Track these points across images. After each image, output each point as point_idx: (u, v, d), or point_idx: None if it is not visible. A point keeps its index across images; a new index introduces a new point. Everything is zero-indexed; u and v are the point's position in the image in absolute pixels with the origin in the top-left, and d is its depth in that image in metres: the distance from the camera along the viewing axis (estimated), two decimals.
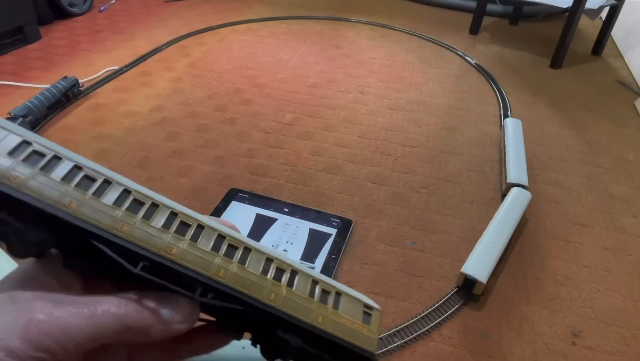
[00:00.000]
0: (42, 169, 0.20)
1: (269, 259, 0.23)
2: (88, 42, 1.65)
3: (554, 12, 2.09)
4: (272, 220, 0.88)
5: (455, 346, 0.69)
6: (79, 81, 1.29)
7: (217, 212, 0.89)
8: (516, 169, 1.00)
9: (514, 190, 0.93)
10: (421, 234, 0.89)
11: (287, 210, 0.90)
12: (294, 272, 0.23)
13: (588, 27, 2.00)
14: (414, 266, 0.82)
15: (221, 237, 0.23)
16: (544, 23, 2.05)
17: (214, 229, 0.23)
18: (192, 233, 0.22)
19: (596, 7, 1.55)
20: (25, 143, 0.20)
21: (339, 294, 0.24)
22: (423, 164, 1.09)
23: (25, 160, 0.20)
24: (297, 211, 0.90)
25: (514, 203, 0.90)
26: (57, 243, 0.20)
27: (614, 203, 1.00)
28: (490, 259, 0.78)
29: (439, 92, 1.43)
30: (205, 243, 0.22)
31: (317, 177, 1.03)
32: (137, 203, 0.22)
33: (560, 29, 1.57)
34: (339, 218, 0.89)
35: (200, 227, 0.22)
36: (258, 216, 0.88)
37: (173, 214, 0.23)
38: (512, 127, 1.15)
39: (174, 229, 0.22)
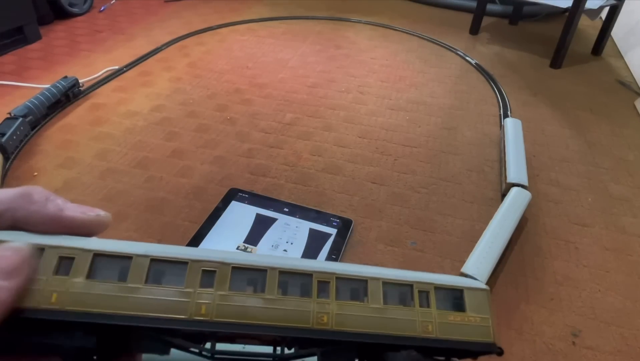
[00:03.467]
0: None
1: (355, 280, 0.21)
2: (88, 42, 1.65)
3: (554, 12, 2.09)
4: (272, 220, 0.88)
5: None
6: (79, 81, 1.29)
7: (217, 212, 0.89)
8: (516, 169, 1.00)
9: (514, 190, 0.93)
10: (421, 234, 0.89)
11: (287, 210, 0.90)
12: (386, 283, 0.21)
13: (588, 27, 2.00)
14: (414, 267, 0.82)
15: (308, 275, 0.20)
16: (544, 23, 2.05)
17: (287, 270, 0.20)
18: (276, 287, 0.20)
19: (596, 7, 1.55)
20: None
21: (438, 289, 0.21)
22: (423, 164, 1.09)
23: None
24: (297, 211, 0.90)
25: (514, 203, 0.90)
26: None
27: (614, 203, 1.00)
28: (490, 259, 0.78)
29: (439, 92, 1.43)
30: (293, 289, 0.20)
31: (317, 177, 1.03)
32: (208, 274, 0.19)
33: (560, 29, 1.57)
34: (339, 218, 0.89)
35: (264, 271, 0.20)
36: (258, 216, 0.88)
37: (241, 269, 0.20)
38: (512, 127, 1.15)
39: (260, 290, 0.19)
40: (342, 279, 0.20)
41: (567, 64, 1.64)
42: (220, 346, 0.20)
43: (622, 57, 1.75)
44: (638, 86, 1.53)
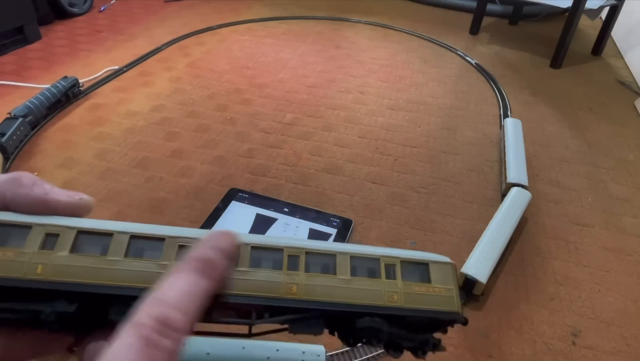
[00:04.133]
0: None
1: (319, 254, 0.22)
2: (88, 42, 1.65)
3: (554, 12, 2.09)
4: (272, 220, 0.88)
5: (455, 346, 0.69)
6: (79, 81, 1.29)
7: (217, 212, 0.89)
8: (516, 169, 1.00)
9: (514, 190, 0.93)
10: (421, 234, 0.89)
11: (287, 210, 0.90)
12: (354, 257, 0.22)
13: (588, 27, 2.00)
14: None
15: (279, 250, 0.22)
16: (544, 23, 2.05)
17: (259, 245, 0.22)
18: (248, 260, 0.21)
19: (596, 7, 1.55)
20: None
21: (404, 263, 0.22)
22: (423, 164, 1.09)
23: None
24: (297, 211, 0.90)
25: (514, 203, 0.90)
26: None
27: (614, 203, 1.00)
28: (490, 259, 0.78)
29: (439, 92, 1.43)
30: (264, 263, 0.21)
31: (317, 177, 1.03)
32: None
33: (560, 29, 1.57)
34: (339, 217, 0.89)
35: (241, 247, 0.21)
36: (258, 216, 0.88)
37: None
38: (512, 127, 1.15)
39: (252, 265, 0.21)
40: (311, 253, 0.22)
41: (567, 64, 1.64)
42: None
43: (622, 57, 1.75)
44: (638, 85, 1.53)
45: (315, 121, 1.24)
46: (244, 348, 0.61)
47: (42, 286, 0.19)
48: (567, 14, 1.54)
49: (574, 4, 1.50)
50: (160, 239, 0.21)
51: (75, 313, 0.19)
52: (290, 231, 0.85)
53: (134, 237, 0.21)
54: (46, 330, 0.19)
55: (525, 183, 0.96)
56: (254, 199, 0.93)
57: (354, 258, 0.22)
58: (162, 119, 1.21)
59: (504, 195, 0.95)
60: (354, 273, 0.22)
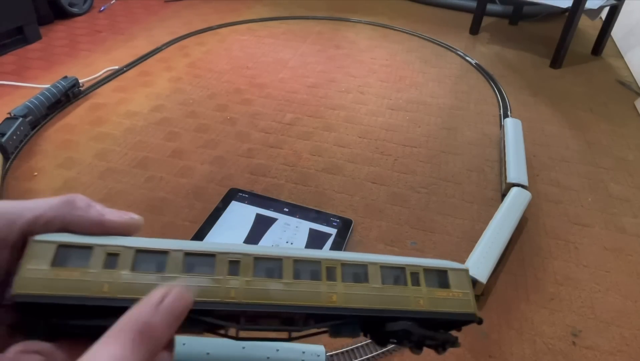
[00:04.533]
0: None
1: (355, 265, 0.24)
2: (88, 42, 1.65)
3: (554, 12, 2.09)
4: (272, 220, 0.88)
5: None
6: (79, 81, 1.29)
7: (217, 212, 0.89)
8: (516, 169, 1.00)
9: (514, 190, 0.93)
10: (421, 234, 0.89)
11: (287, 210, 0.90)
12: (383, 267, 0.25)
13: (588, 27, 2.00)
14: None
15: (317, 262, 0.24)
16: (544, 23, 2.05)
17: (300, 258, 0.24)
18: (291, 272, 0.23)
19: (596, 7, 1.55)
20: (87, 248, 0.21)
21: (427, 271, 0.25)
22: (423, 164, 1.09)
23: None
24: (297, 211, 0.90)
25: (514, 203, 0.90)
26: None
27: (614, 203, 1.00)
28: (490, 259, 0.78)
29: (439, 92, 1.43)
30: (305, 274, 0.23)
31: (317, 177, 1.03)
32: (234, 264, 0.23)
33: (560, 29, 1.57)
34: (339, 218, 0.89)
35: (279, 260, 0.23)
36: (258, 216, 0.88)
37: (260, 259, 0.23)
38: (512, 127, 1.15)
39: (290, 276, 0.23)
40: (346, 265, 0.24)
41: (567, 64, 1.64)
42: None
43: (622, 57, 1.75)
44: (638, 85, 1.53)
45: (315, 121, 1.24)
46: (244, 348, 0.61)
47: (111, 303, 0.20)
48: (567, 14, 1.54)
49: (574, 4, 1.50)
50: (211, 255, 0.22)
51: None
52: (290, 231, 0.85)
53: (187, 254, 0.22)
54: None
55: (525, 183, 0.96)
56: (254, 199, 0.93)
57: (383, 267, 0.25)
58: (162, 119, 1.21)
59: (504, 195, 0.95)
60: (384, 281, 0.24)
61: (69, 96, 1.25)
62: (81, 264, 0.21)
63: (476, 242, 0.82)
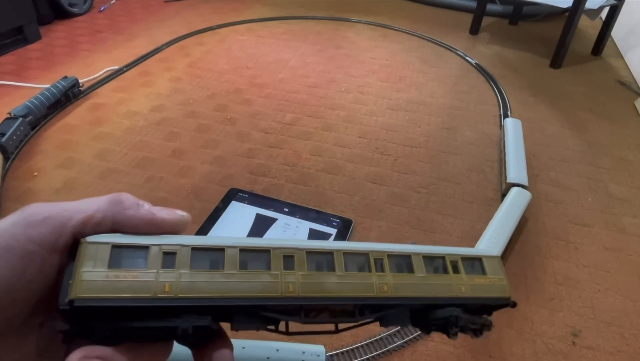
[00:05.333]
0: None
1: (399, 256, 0.25)
2: (88, 42, 1.65)
3: (554, 12, 2.09)
4: (272, 220, 0.88)
5: (455, 346, 0.69)
6: (79, 81, 1.29)
7: (217, 212, 0.89)
8: (516, 169, 1.00)
9: (514, 190, 0.93)
10: (421, 234, 0.89)
11: (287, 210, 0.90)
12: (425, 257, 0.25)
13: (588, 27, 2.00)
14: None
15: (365, 255, 0.24)
16: (544, 23, 2.05)
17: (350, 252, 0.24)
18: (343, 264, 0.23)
19: (596, 7, 1.55)
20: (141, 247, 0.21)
21: (464, 259, 0.26)
22: (423, 164, 1.09)
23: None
24: (297, 211, 0.90)
25: (514, 203, 0.90)
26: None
27: (614, 203, 1.00)
28: None
29: (439, 92, 1.43)
30: (353, 266, 0.24)
31: (317, 177, 1.03)
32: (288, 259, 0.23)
33: (560, 29, 1.57)
34: (339, 218, 0.89)
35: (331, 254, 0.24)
36: (258, 216, 0.88)
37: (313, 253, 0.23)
38: (512, 127, 1.15)
39: (341, 269, 0.23)
40: (392, 256, 0.25)
41: (567, 64, 1.64)
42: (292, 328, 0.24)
43: (622, 57, 1.75)
44: (638, 85, 1.53)
45: (315, 121, 1.24)
46: (244, 348, 0.61)
47: (174, 303, 0.20)
48: (567, 14, 1.54)
49: (574, 4, 1.50)
50: (266, 251, 0.22)
51: (210, 326, 0.20)
52: (290, 231, 0.85)
53: (242, 250, 0.22)
54: (183, 343, 0.21)
55: (525, 183, 0.96)
56: (254, 199, 0.93)
57: (425, 257, 0.25)
58: (162, 119, 1.21)
59: (504, 195, 0.95)
60: (427, 270, 0.25)
61: (69, 96, 1.25)
62: (139, 264, 0.20)
63: (476, 242, 0.82)
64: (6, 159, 1.02)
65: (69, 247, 0.20)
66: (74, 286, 0.19)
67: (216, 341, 0.22)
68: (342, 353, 0.67)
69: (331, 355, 0.67)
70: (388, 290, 0.23)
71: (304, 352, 0.61)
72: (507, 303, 0.26)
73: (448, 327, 0.25)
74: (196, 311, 0.20)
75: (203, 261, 0.21)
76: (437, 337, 0.70)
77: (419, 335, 0.70)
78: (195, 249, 0.21)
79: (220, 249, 0.22)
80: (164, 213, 0.22)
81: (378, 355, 0.67)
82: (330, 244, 0.24)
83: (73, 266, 0.19)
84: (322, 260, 0.23)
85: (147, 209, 0.22)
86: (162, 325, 0.20)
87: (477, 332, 0.26)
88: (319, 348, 0.62)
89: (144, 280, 0.20)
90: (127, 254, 0.20)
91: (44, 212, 0.20)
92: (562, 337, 0.71)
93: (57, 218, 0.20)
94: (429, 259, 0.25)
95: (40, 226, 0.19)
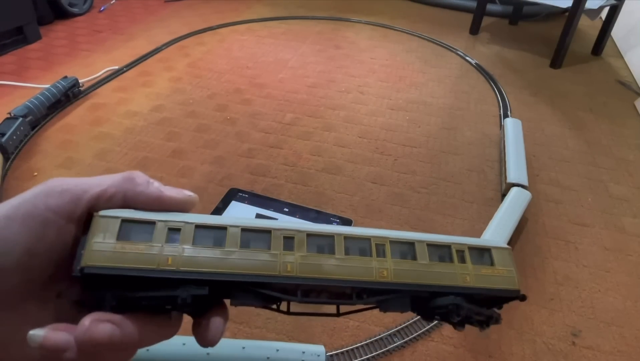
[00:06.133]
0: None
1: (402, 243, 0.25)
2: (88, 42, 1.65)
3: (554, 12, 2.09)
4: (272, 220, 0.88)
5: (455, 346, 0.69)
6: (79, 81, 1.29)
7: (217, 212, 0.89)
8: (516, 169, 1.00)
9: (514, 190, 0.93)
10: None
11: (287, 210, 0.90)
12: (430, 245, 0.25)
13: (588, 27, 2.00)
14: None
15: (366, 240, 0.24)
16: (544, 23, 2.05)
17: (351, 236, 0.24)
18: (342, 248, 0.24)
19: (596, 7, 1.55)
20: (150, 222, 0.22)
21: (471, 249, 0.26)
22: (423, 164, 1.09)
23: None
24: (297, 211, 0.90)
25: (514, 203, 0.90)
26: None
27: (614, 203, 1.00)
28: None
29: (439, 92, 1.43)
30: (355, 250, 0.24)
31: (317, 177, 1.03)
32: (288, 239, 0.24)
33: (560, 29, 1.57)
34: (339, 217, 0.89)
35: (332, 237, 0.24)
36: (258, 216, 0.88)
37: (314, 236, 0.24)
38: (512, 127, 1.15)
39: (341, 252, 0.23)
40: (394, 242, 0.25)
41: (567, 64, 1.64)
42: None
43: (622, 57, 1.75)
44: (638, 85, 1.53)
45: (315, 121, 1.24)
46: (244, 348, 0.61)
47: (176, 275, 0.21)
48: (567, 14, 1.54)
49: (574, 4, 1.50)
50: (267, 231, 0.23)
51: (208, 295, 0.21)
52: None
53: (244, 230, 0.23)
54: (181, 312, 0.22)
55: (525, 183, 0.96)
56: (254, 199, 0.93)
57: (430, 245, 0.25)
58: (162, 119, 1.21)
59: (504, 195, 0.95)
60: (431, 258, 0.25)
61: (69, 96, 1.25)
62: (145, 238, 0.21)
63: None
64: (6, 159, 1.02)
65: (84, 219, 0.22)
66: (85, 255, 0.20)
67: (213, 310, 0.23)
68: (342, 353, 0.67)
69: (331, 355, 0.67)
70: (388, 275, 0.23)
71: (304, 352, 0.61)
72: (516, 296, 0.25)
73: (449, 316, 0.24)
74: (196, 284, 0.21)
75: (206, 238, 0.22)
76: (437, 337, 0.70)
77: (418, 335, 0.70)
78: (199, 226, 0.23)
79: (222, 228, 0.23)
80: (172, 192, 0.24)
81: (378, 355, 0.67)
82: (333, 228, 0.24)
83: (86, 237, 0.21)
84: (323, 243, 0.24)
85: (157, 186, 0.23)
86: (163, 294, 0.21)
87: (482, 324, 0.26)
88: (319, 348, 0.62)
89: (148, 253, 0.21)
90: (135, 228, 0.22)
91: (63, 185, 0.21)
92: (562, 337, 0.71)
93: (74, 191, 0.21)
94: (434, 247, 0.25)
95: (58, 197, 0.21)
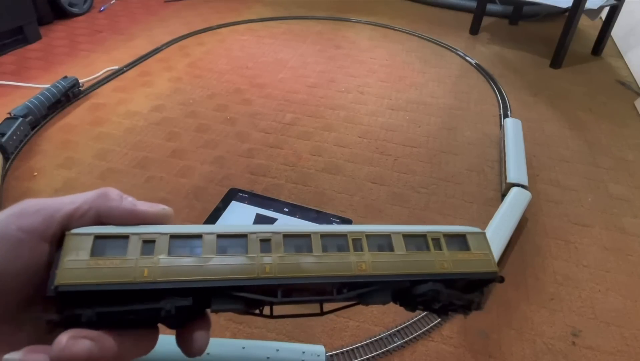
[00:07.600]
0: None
1: (378, 235, 0.25)
2: (88, 42, 1.65)
3: (554, 12, 2.09)
4: (272, 220, 0.88)
5: (455, 346, 0.69)
6: (79, 81, 1.29)
7: (217, 212, 0.89)
8: (516, 169, 1.00)
9: (514, 190, 0.93)
10: None
11: (287, 210, 0.90)
12: (405, 235, 0.25)
13: (588, 27, 2.00)
14: None
15: (343, 236, 0.25)
16: (544, 23, 2.05)
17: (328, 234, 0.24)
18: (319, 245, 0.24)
19: (596, 7, 1.55)
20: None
21: (446, 236, 0.26)
22: (423, 164, 1.09)
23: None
24: (297, 211, 0.90)
25: (514, 203, 0.90)
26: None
27: (614, 203, 1.00)
28: None
29: (439, 92, 1.43)
30: (332, 246, 0.24)
31: (317, 177, 1.03)
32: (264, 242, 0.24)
33: (560, 29, 1.57)
34: (339, 217, 0.89)
35: (308, 236, 0.24)
36: (258, 216, 0.88)
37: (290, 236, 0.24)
38: (512, 127, 1.15)
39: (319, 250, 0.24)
40: (370, 236, 0.25)
41: (567, 64, 1.64)
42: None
43: (622, 57, 1.75)
44: (638, 86, 1.53)
45: (315, 121, 1.24)
46: (244, 348, 0.61)
47: (153, 287, 0.21)
48: (567, 14, 1.54)
49: (574, 4, 1.50)
50: (243, 235, 0.23)
51: (192, 306, 0.21)
52: None
53: (220, 236, 0.23)
54: (164, 324, 0.22)
55: (525, 183, 0.96)
56: (254, 199, 0.93)
57: (406, 236, 0.25)
58: (162, 119, 1.21)
59: (504, 195, 0.95)
60: (408, 248, 0.25)
61: (69, 96, 1.25)
62: (119, 252, 0.21)
63: None
64: (6, 159, 1.02)
65: (58, 238, 0.21)
66: (59, 274, 0.20)
67: (197, 322, 0.23)
68: (342, 353, 0.67)
69: (331, 355, 0.67)
70: (366, 268, 0.24)
71: (304, 352, 0.61)
72: (493, 278, 0.26)
73: (431, 303, 0.25)
74: (177, 294, 0.21)
75: (181, 248, 0.22)
76: (437, 337, 0.70)
77: (418, 335, 0.70)
78: (173, 236, 0.22)
79: (197, 236, 0.23)
80: (145, 206, 0.23)
81: (378, 355, 0.67)
82: (308, 227, 0.24)
83: (59, 256, 0.20)
84: (301, 243, 0.24)
85: (130, 201, 0.23)
86: (146, 307, 0.21)
87: (465, 310, 0.26)
88: (319, 348, 0.62)
89: (123, 266, 0.21)
90: (109, 243, 0.21)
91: (37, 205, 0.21)
92: (562, 337, 0.71)
93: (47, 210, 0.21)
94: (409, 237, 0.26)
95: (31, 217, 0.21)
